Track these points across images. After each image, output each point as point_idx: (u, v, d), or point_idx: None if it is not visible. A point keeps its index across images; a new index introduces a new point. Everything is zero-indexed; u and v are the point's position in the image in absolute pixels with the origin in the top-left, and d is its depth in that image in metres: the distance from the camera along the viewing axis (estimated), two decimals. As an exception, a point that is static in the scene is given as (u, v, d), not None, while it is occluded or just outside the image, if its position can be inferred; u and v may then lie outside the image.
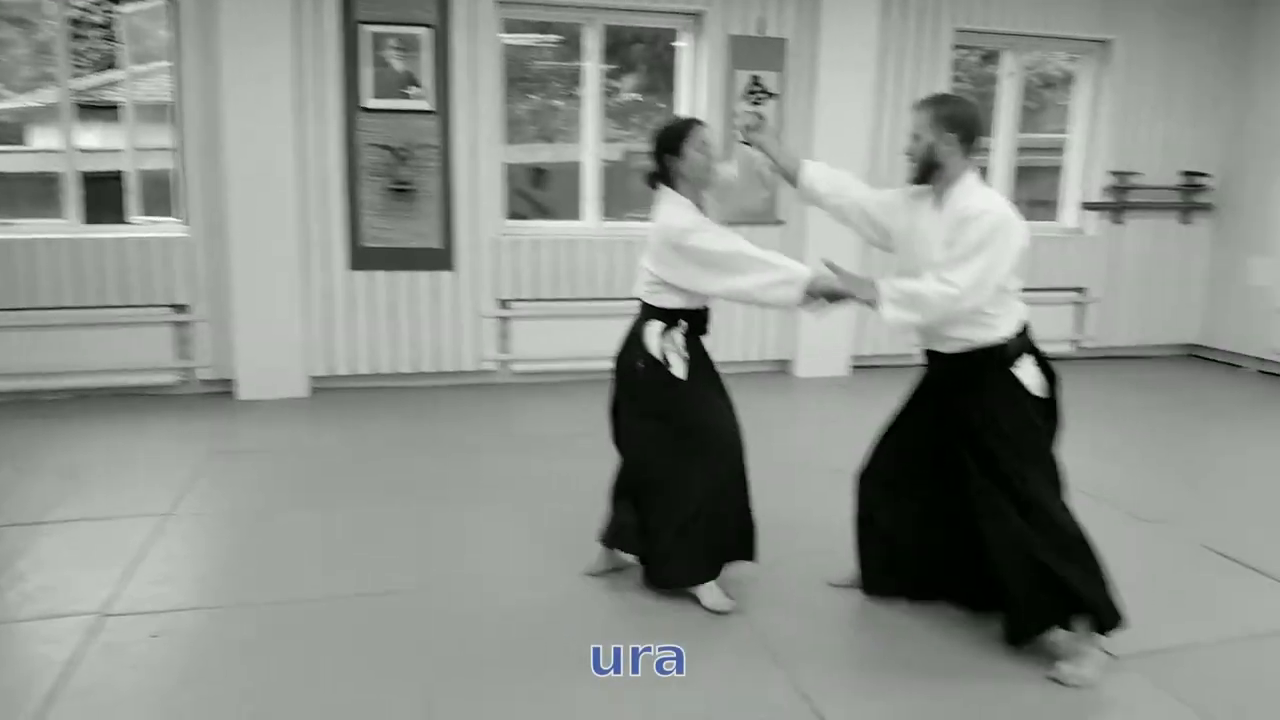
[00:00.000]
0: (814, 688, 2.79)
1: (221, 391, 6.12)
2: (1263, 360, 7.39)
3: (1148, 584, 3.48)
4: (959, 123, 2.88)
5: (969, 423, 2.96)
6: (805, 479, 4.53)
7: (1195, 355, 8.01)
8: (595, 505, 3.56)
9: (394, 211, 6.19)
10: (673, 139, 3.17)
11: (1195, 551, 3.89)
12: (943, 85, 6.89)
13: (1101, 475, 4.69)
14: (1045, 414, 2.98)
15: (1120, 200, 7.51)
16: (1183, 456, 5.34)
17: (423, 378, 6.46)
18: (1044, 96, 8.18)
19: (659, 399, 3.22)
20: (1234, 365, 7.62)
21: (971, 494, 2.96)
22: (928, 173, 2.95)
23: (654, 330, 3.22)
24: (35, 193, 8.90)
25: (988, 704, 2.76)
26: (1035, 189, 8.03)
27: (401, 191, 6.15)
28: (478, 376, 6.56)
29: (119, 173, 6.42)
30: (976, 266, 2.77)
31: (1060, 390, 3.00)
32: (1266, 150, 7.39)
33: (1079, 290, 7.58)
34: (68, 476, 4.50)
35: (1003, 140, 7.34)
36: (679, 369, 3.20)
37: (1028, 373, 2.94)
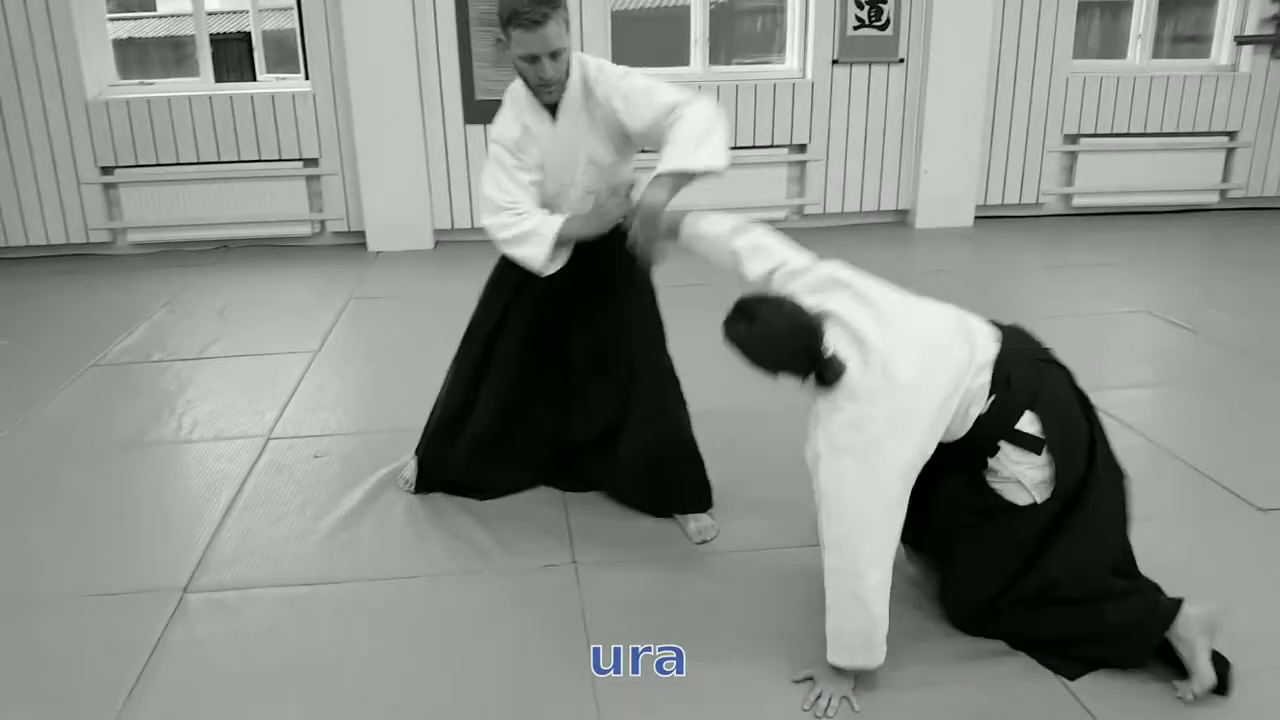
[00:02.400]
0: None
1: (353, 243, 6.36)
2: None
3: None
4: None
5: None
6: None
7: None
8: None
9: (505, 62, 6.15)
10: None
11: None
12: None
13: (1250, 330, 4.49)
14: None
15: (1280, 33, 6.89)
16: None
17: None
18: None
19: None
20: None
21: None
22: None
23: None
24: (164, 57, 9.22)
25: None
26: (1183, 24, 7.44)
27: (513, 41, 6.11)
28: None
29: (243, 33, 6.57)
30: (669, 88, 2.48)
31: None
32: None
33: (1229, 135, 7.01)
34: (220, 318, 4.83)
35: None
36: None
37: None
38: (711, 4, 6.60)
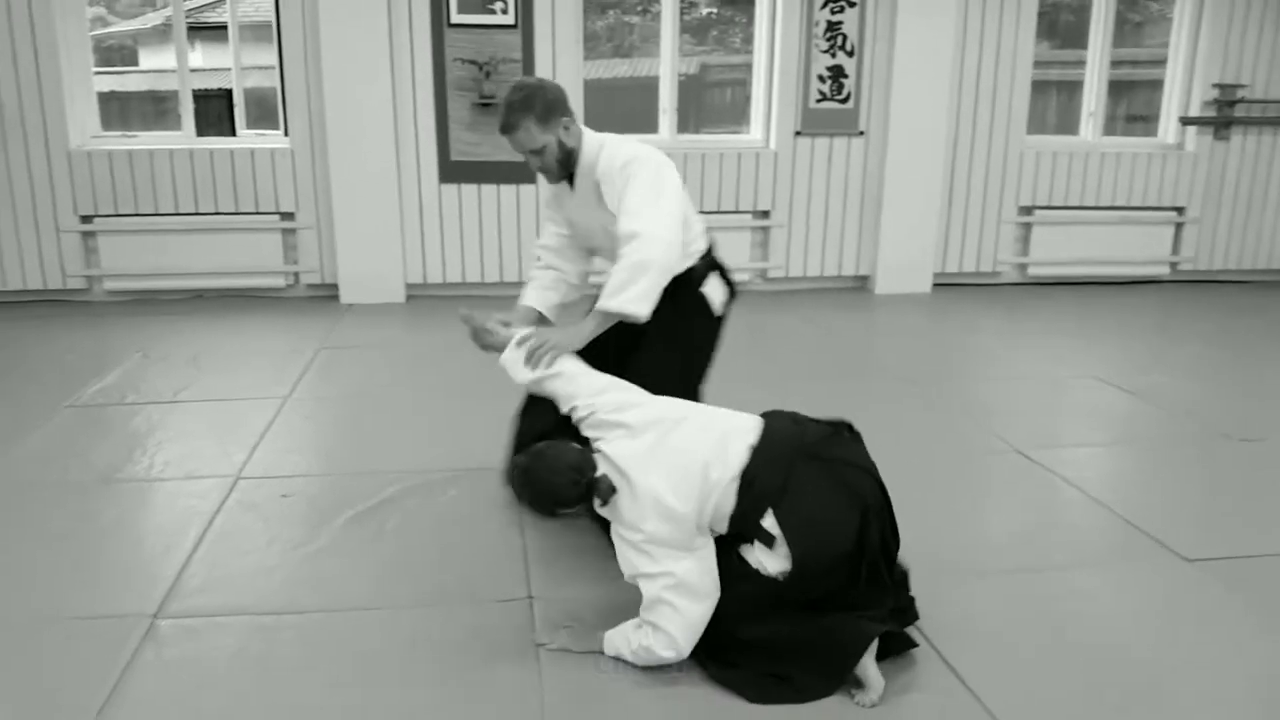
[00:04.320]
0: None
1: (326, 295, 6.48)
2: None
3: (1233, 497, 3.52)
4: (555, 105, 2.81)
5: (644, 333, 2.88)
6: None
7: (1303, 280, 7.66)
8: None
9: (480, 126, 6.39)
10: None
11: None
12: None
13: (1194, 395, 4.67)
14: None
15: (1224, 115, 7.22)
16: None
17: (512, 287, 6.69)
18: (1150, 10, 7.88)
19: None
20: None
21: None
22: (570, 165, 2.91)
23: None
24: (146, 111, 9.37)
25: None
26: (1134, 104, 7.80)
27: (487, 106, 6.33)
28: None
29: (224, 90, 6.74)
30: (660, 206, 2.73)
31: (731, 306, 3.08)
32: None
33: (1177, 210, 7.34)
34: (192, 365, 4.90)
35: (1096, 54, 7.19)
36: None
37: (715, 290, 3.02)
38: (681, 75, 6.87)
